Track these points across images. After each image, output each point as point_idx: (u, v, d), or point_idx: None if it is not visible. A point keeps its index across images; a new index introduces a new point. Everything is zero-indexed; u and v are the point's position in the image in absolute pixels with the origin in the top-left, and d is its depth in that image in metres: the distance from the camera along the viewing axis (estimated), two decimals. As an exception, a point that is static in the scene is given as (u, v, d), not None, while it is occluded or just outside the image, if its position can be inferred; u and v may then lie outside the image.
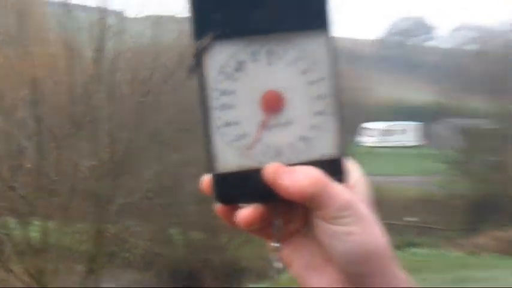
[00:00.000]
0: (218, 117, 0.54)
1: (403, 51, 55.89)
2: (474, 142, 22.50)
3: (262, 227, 0.55)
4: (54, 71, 12.16)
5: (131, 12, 17.10)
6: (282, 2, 0.54)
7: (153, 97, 12.36)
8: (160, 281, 13.18)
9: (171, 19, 13.61)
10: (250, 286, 11.95)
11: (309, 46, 0.54)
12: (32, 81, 11.15)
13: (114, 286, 12.52)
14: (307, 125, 0.54)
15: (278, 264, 0.56)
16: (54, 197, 10.93)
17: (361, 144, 31.34)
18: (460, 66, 42.46)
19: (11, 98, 11.44)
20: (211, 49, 0.53)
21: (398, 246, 14.11)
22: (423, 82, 49.34)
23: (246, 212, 0.54)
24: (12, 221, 11.23)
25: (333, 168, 0.54)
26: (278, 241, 0.56)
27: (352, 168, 0.56)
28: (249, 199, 0.54)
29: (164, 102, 12.41)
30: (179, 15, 12.91)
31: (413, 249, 14.95)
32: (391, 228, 15.30)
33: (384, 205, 14.22)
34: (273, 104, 0.54)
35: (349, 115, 18.16)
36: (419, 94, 43.69)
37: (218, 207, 0.55)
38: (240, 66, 0.54)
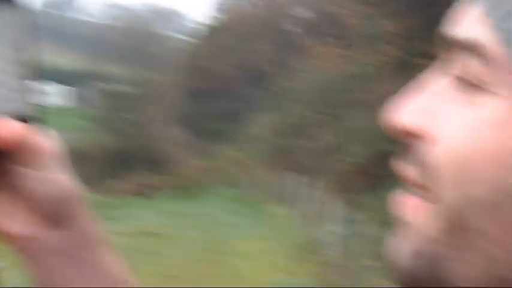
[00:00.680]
0: None
1: (57, 23, 58.26)
2: (116, 103, 24.72)
3: None
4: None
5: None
6: None
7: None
8: None
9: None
10: None
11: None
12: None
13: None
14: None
15: None
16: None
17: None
18: (107, 39, 46.93)
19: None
20: None
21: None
22: (75, 51, 52.71)
23: None
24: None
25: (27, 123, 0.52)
26: None
27: (41, 126, 0.56)
28: None
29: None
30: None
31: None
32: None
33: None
34: None
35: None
36: (72, 61, 46.76)
37: None
38: None
